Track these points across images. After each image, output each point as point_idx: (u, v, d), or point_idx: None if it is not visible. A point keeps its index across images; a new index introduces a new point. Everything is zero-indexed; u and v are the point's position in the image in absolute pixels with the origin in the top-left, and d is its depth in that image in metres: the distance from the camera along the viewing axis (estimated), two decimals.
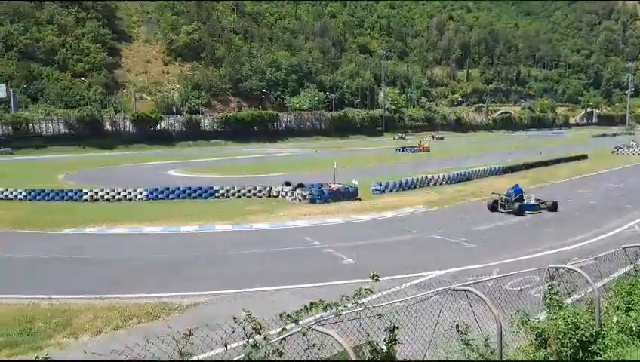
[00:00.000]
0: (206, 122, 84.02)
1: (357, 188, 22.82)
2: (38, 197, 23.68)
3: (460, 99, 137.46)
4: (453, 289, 5.47)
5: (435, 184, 26.94)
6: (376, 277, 4.56)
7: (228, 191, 23.68)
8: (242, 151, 63.94)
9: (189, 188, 24.03)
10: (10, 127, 67.97)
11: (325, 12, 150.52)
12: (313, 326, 3.88)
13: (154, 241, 15.71)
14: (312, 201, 21.55)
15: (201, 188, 23.97)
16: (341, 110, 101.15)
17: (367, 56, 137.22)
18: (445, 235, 15.40)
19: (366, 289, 4.32)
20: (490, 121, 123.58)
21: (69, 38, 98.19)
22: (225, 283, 10.84)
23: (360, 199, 22.37)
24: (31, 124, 70.12)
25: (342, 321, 4.15)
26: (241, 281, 11.02)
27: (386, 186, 24.77)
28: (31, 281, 11.36)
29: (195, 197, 23.40)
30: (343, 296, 4.24)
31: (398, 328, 4.41)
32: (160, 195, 23.64)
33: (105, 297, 9.90)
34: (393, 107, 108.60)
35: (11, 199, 23.93)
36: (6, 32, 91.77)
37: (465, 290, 5.45)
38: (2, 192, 24.34)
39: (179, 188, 24.10)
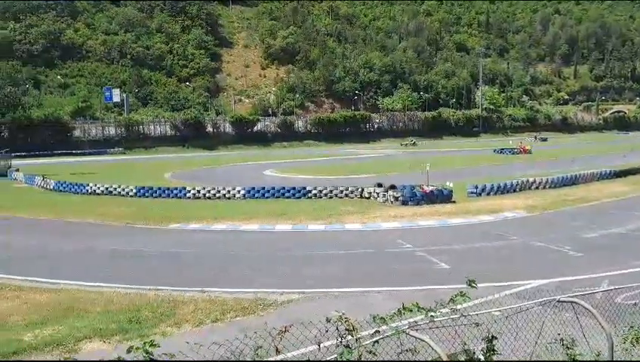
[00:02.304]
0: (300, 123, 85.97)
1: (451, 191, 22.13)
2: (146, 194, 25.52)
3: (566, 97, 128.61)
4: (558, 301, 5.10)
5: (537, 188, 25.39)
6: (472, 284, 4.37)
7: (320, 191, 24.00)
8: (335, 152, 64.57)
9: (284, 188, 24.66)
10: (123, 129, 74.18)
11: (420, 11, 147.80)
12: (407, 331, 3.79)
13: (251, 238, 16.30)
14: (404, 203, 21.21)
15: (294, 188, 24.51)
16: (435, 110, 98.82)
17: (464, 54, 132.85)
18: (548, 242, 14.46)
19: (462, 296, 4.14)
20: (601, 121, 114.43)
21: (175, 45, 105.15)
22: (317, 283, 10.98)
23: (454, 202, 21.67)
24: (141, 126, 76.02)
25: (436, 327, 4.02)
26: (332, 281, 11.10)
27: (483, 189, 23.77)
28: (140, 273, 12.25)
29: (288, 197, 23.97)
30: (437, 301, 4.10)
31: (496, 338, 4.19)
32: (256, 194, 24.50)
33: (206, 290, 10.42)
34: (491, 107, 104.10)
35: (123, 195, 25.97)
36: (121, 41, 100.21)
37: (571, 302, 5.06)
38: (115, 189, 26.52)
39: (274, 188, 24.83)
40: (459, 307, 4.13)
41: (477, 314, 4.43)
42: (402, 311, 3.91)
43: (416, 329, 3.86)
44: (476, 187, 23.73)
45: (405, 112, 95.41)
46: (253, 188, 24.85)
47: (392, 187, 22.63)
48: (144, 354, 2.75)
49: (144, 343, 2.78)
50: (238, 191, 24.73)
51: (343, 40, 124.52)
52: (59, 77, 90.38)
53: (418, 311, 3.95)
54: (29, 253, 14.83)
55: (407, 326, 3.84)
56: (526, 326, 4.95)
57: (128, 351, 2.75)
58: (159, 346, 2.80)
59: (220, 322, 8.73)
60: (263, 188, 25.03)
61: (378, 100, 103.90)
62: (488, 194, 23.58)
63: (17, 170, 37.77)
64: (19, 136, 64.58)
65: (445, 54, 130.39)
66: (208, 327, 8.48)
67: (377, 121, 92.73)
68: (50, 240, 16.43)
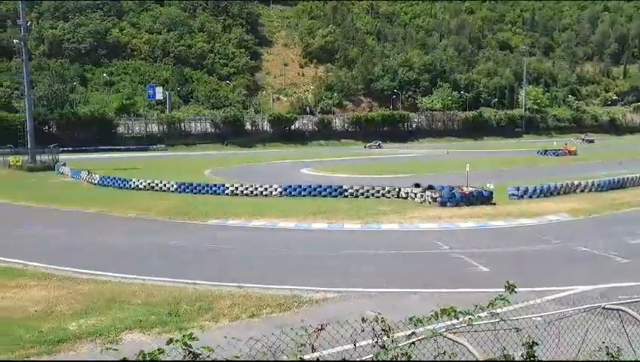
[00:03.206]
0: (337, 122, 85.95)
1: (492, 192, 21.66)
2: (186, 190, 26.06)
3: (614, 97, 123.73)
4: (603, 308, 4.92)
5: (582, 191, 24.56)
6: (512, 288, 4.26)
7: (357, 190, 23.92)
8: (372, 151, 64.25)
9: (320, 187, 24.71)
10: (165, 126, 76.01)
11: (462, 9, 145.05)
12: (444, 333, 3.74)
13: (287, 236, 16.42)
14: (443, 204, 20.89)
15: (331, 187, 24.52)
16: (476, 110, 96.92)
17: (507, 52, 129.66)
18: (593, 247, 13.96)
19: (502, 300, 4.05)
20: None
21: (216, 44, 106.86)
22: (353, 282, 10.96)
23: (495, 204, 21.19)
24: (182, 123, 77.72)
25: (474, 331, 3.95)
26: (368, 281, 11.06)
27: (525, 191, 23.15)
28: (179, 267, 12.51)
29: (325, 196, 24.00)
30: (476, 305, 4.02)
31: (537, 344, 4.07)
32: (293, 192, 24.64)
33: (242, 286, 10.56)
34: (535, 107, 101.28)
35: (164, 191, 26.60)
36: (164, 40, 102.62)
37: (617, 309, 4.87)
38: (157, 184, 27.21)
39: (310, 186, 24.92)
40: (498, 311, 4.04)
41: (517, 319, 4.32)
42: (439, 314, 3.85)
43: (454, 332, 3.80)
44: (518, 189, 23.14)
45: (445, 112, 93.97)
46: (290, 186, 24.99)
47: (430, 187, 22.34)
48: (183, 347, 2.81)
49: (183, 336, 2.83)
50: (275, 189, 24.93)
51: (383, 38, 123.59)
52: (105, 75, 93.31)
53: (455, 314, 3.89)
54: (74, 244, 15.38)
55: (444, 329, 3.78)
56: (569, 333, 4.80)
57: (168, 343, 2.81)
58: (198, 339, 2.85)
59: (256, 317, 8.82)
60: (300, 186, 25.15)
61: (417, 99, 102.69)
62: (530, 196, 22.96)
63: (64, 165, 39.25)
64: (66, 131, 67.03)
65: (488, 53, 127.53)
66: (245, 322, 8.59)
67: (416, 120, 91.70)
68: (94, 233, 16.99)
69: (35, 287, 10.59)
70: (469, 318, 3.93)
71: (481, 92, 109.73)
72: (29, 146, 43.57)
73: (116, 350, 2.54)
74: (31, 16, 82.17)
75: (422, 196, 21.97)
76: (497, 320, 4.05)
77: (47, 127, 65.83)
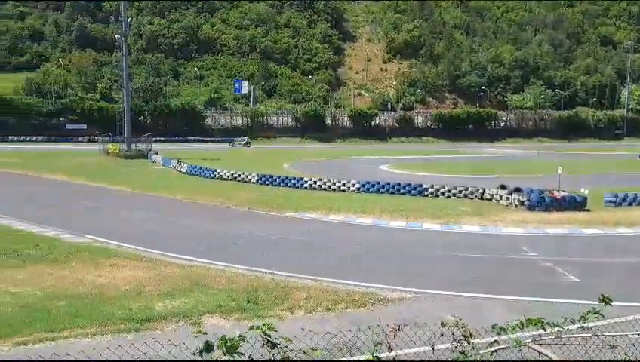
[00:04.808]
0: (419, 119, 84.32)
1: (586, 198, 20.23)
2: (267, 182, 26.71)
3: None
4: None
5: None
6: (608, 301, 3.92)
7: (437, 190, 23.31)
8: (455, 149, 62.47)
9: (399, 184, 24.34)
10: (248, 119, 78.53)
11: (561, 2, 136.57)
12: (529, 344, 3.51)
13: (364, 232, 16.34)
14: (530, 208, 19.82)
15: (410, 185, 24.08)
16: (571, 109, 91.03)
17: (609, 49, 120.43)
18: None
19: (595, 313, 3.74)
20: None
21: (301, 40, 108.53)
22: (430, 283, 10.69)
23: (589, 210, 19.78)
24: (265, 117, 79.91)
25: (563, 344, 3.67)
26: (446, 283, 10.73)
27: (624, 198, 21.39)
28: (258, 256, 12.84)
29: (403, 194, 23.61)
30: (566, 317, 3.74)
31: None
32: (371, 188, 24.48)
33: (318, 279, 10.64)
34: (639, 107, 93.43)
35: (246, 182, 27.44)
36: (251, 36, 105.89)
37: None
38: (239, 175, 28.14)
39: (389, 183, 24.61)
40: (590, 325, 3.74)
41: (612, 336, 3.98)
42: (525, 323, 3.64)
43: (540, 344, 3.57)
44: (616, 196, 21.43)
45: (536, 111, 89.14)
46: (368, 183, 24.85)
47: (518, 190, 21.25)
48: (262, 336, 2.83)
49: (263, 325, 2.86)
50: (353, 185, 24.90)
51: (472, 33, 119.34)
52: (195, 69, 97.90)
53: (543, 325, 3.65)
54: (162, 228, 16.28)
55: (530, 340, 3.57)
56: None
57: (250, 329, 2.85)
58: (276, 330, 2.87)
59: (331, 312, 8.85)
60: (378, 182, 24.94)
61: (506, 97, 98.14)
62: (630, 204, 21.19)
63: (156, 153, 41.66)
64: (159, 122, 71.20)
65: (587, 48, 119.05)
66: (320, 316, 8.64)
67: (504, 119, 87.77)
68: (180, 219, 17.89)
69: (126, 267, 11.31)
70: (558, 330, 3.68)
71: (577, 90, 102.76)
72: (125, 135, 46.67)
73: (205, 334, 2.61)
74: (131, 12, 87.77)
75: (508, 199, 21.00)
76: (589, 334, 3.75)
77: (142, 118, 70.15)
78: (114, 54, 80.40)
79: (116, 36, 49.06)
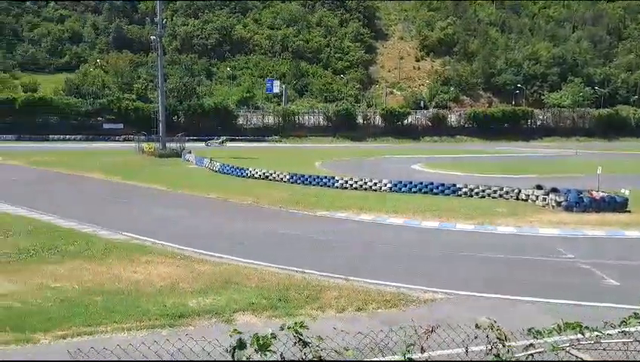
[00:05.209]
0: (452, 118, 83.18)
1: (626, 199, 19.53)
2: (298, 181, 26.77)
3: None
4: None
5: None
6: None
7: (471, 189, 22.93)
8: (489, 149, 61.36)
9: (432, 184, 24.05)
10: (280, 118, 79.02)
11: None
12: (567, 348, 3.42)
13: (395, 232, 16.21)
14: (568, 209, 19.28)
15: (443, 185, 23.77)
16: (611, 108, 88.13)
17: None
18: None
19: (637, 318, 3.60)
20: None
21: (333, 39, 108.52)
22: (463, 285, 10.52)
23: (630, 212, 19.09)
24: (297, 116, 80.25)
25: (603, 349, 3.56)
26: (480, 285, 10.54)
27: None
28: (289, 255, 12.89)
29: (436, 193, 23.33)
30: (606, 321, 3.62)
31: None
32: (403, 188, 24.27)
33: (349, 279, 10.61)
34: None
35: (277, 181, 27.57)
36: (283, 35, 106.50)
37: None
38: (271, 174, 28.30)
39: (421, 183, 24.35)
40: (632, 330, 3.61)
41: None
42: (562, 327, 3.54)
43: (579, 349, 3.46)
44: None
45: (575, 109, 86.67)
46: (400, 182, 24.65)
47: (554, 190, 20.71)
48: (294, 334, 2.83)
49: (295, 323, 2.86)
50: (385, 184, 24.73)
51: (507, 30, 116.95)
52: (228, 69, 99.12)
53: (581, 329, 3.55)
54: (196, 227, 16.54)
55: (567, 345, 3.46)
56: None
57: (281, 329, 2.86)
58: (308, 328, 2.87)
59: (363, 311, 8.81)
60: (410, 182, 24.70)
61: (543, 95, 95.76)
62: None
63: (190, 152, 42.34)
64: (192, 121, 72.38)
65: (629, 45, 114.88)
66: (351, 315, 8.61)
67: (541, 117, 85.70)
68: (213, 217, 18.14)
69: (161, 264, 11.53)
70: (597, 335, 3.56)
71: (618, 88, 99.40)
72: (160, 134, 47.60)
73: (240, 333, 2.63)
74: (166, 14, 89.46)
75: (544, 199, 20.49)
76: (631, 340, 3.62)
77: (175, 117, 71.45)
78: (149, 55, 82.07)
79: (152, 37, 50.12)
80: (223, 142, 62.00)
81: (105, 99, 73.90)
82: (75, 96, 75.08)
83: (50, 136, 64.88)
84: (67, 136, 66.31)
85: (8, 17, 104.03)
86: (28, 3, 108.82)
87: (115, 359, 4.27)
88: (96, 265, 11.32)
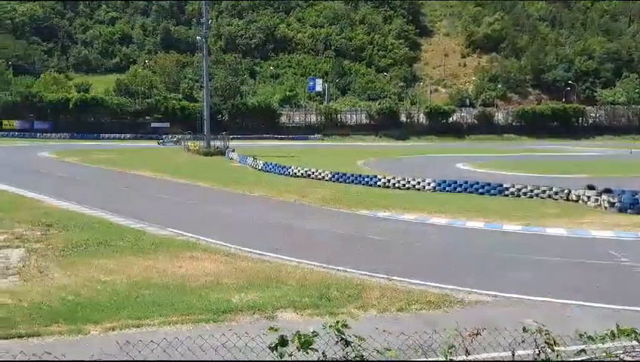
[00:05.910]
0: (500, 115, 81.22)
1: None
2: (340, 180, 26.79)
3: None
4: None
5: None
6: None
7: (519, 189, 22.30)
8: (538, 147, 59.53)
9: (477, 183, 23.55)
10: (322, 117, 79.27)
11: None
12: (620, 355, 3.27)
13: (439, 232, 15.95)
14: (622, 211, 18.47)
15: (489, 184, 23.22)
16: None
17: None
18: None
19: None
20: None
21: (376, 36, 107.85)
22: (510, 287, 10.22)
23: None
24: (339, 115, 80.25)
25: None
26: (527, 288, 10.21)
27: None
28: (331, 253, 12.87)
29: (482, 193, 22.83)
30: None
31: None
32: (447, 187, 23.87)
33: (391, 278, 10.51)
34: None
35: (319, 179, 27.67)
36: (326, 33, 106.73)
37: None
38: (313, 173, 28.44)
39: (466, 182, 23.89)
40: None
41: None
42: (616, 333, 3.39)
43: (633, 356, 3.31)
44: None
45: (630, 106, 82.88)
46: (444, 181, 24.25)
47: (607, 191, 19.86)
48: (336, 333, 2.82)
49: (337, 322, 2.85)
50: (428, 183, 24.39)
51: (558, 25, 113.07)
52: (271, 68, 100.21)
53: (637, 335, 3.38)
54: (240, 224, 16.80)
55: (621, 351, 3.31)
56: None
57: (324, 327, 2.85)
58: (349, 327, 2.85)
59: (405, 312, 8.70)
60: (455, 181, 24.26)
61: (596, 92, 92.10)
62: None
63: (233, 151, 43.07)
64: (236, 120, 73.66)
65: None
66: (393, 315, 8.53)
67: (593, 115, 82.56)
68: (257, 215, 18.37)
69: (205, 260, 11.76)
70: None
71: None
72: (205, 133, 48.65)
73: (277, 330, 2.65)
74: (212, 14, 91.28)
75: (596, 200, 19.70)
76: None
77: (220, 116, 72.84)
78: (195, 55, 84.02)
79: (198, 38, 51.29)
80: (177, 141, 59.94)
81: (153, 98, 76.19)
82: (124, 96, 77.78)
83: (102, 135, 67.48)
84: (117, 135, 68.80)
85: (62, 20, 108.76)
86: (81, 6, 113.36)
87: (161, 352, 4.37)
88: (144, 259, 11.65)
